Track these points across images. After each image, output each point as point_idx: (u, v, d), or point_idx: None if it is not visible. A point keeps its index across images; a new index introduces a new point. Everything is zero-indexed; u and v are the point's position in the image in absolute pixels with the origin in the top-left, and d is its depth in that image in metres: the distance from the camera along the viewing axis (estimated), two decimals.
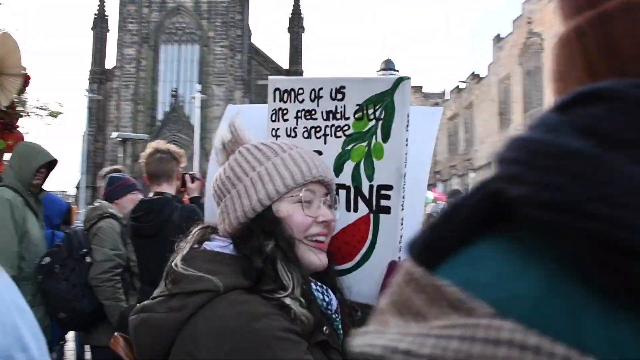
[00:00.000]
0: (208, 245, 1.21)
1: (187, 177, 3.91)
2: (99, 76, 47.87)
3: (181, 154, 3.73)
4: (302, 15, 53.23)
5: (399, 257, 1.28)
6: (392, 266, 1.27)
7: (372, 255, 1.30)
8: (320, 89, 1.33)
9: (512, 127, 33.70)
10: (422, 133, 1.29)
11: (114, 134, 28.48)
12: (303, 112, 1.37)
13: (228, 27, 46.47)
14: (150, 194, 3.64)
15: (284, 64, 53.06)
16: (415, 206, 1.33)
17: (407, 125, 1.23)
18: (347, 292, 1.27)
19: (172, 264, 1.14)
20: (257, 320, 1.04)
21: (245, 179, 1.21)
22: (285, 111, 1.40)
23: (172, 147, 3.71)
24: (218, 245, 1.20)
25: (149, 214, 3.46)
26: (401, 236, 1.28)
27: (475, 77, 39.74)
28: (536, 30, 31.05)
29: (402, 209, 1.26)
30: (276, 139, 1.40)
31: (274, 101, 1.42)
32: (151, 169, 3.59)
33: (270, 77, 1.44)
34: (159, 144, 3.70)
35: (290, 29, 53.27)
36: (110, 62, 48.98)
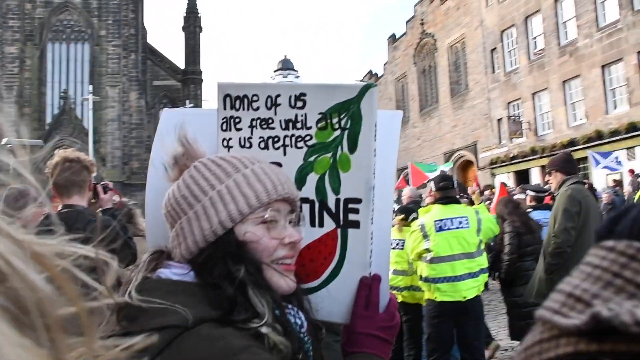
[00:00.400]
0: (163, 273, 1.07)
1: (99, 188, 3.67)
2: None
3: (92, 163, 3.47)
4: (198, 15, 52.24)
5: (370, 273, 1.22)
6: (364, 282, 1.21)
7: (341, 272, 1.23)
8: (278, 95, 1.22)
9: (410, 124, 34.87)
10: (383, 139, 1.21)
11: (4, 140, 26.29)
12: (259, 121, 1.25)
13: (121, 26, 44.62)
14: (59, 207, 3.35)
15: (182, 63, 51.85)
16: (383, 218, 1.27)
17: (375, 135, 1.17)
18: (315, 311, 1.18)
19: (126, 297, 0.98)
20: (236, 355, 0.92)
21: (204, 198, 1.08)
22: (237, 120, 1.26)
23: (82, 155, 3.44)
24: (176, 272, 1.07)
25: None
26: (371, 251, 1.22)
27: (372, 75, 40.71)
28: (429, 31, 32.32)
29: (372, 223, 1.20)
30: (228, 150, 1.26)
31: (225, 109, 1.28)
32: (60, 179, 3.27)
33: (219, 82, 1.29)
34: (67, 152, 3.40)
35: (185, 28, 52.13)
36: None
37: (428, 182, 20.91)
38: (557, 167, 5.30)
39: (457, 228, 5.18)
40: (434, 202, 5.51)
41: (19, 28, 43.58)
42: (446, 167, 24.18)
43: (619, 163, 17.43)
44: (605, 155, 17.82)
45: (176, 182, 1.15)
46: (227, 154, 1.21)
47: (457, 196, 5.92)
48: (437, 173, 22.31)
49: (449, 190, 5.44)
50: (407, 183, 21.58)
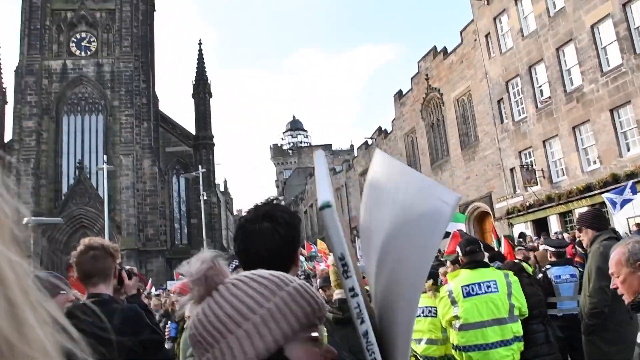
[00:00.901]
0: None
1: (124, 274, 3.66)
2: None
3: (116, 249, 3.44)
4: (207, 81, 53.47)
5: None
6: None
7: None
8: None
9: None
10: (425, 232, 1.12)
11: (25, 220, 26.62)
12: None
13: (133, 96, 45.75)
14: (84, 297, 3.36)
15: (193, 129, 52.73)
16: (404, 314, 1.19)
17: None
18: None
19: None
20: None
21: (253, 316, 1.04)
22: None
23: (106, 242, 3.44)
24: None
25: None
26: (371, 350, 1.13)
27: (381, 132, 41.10)
28: (434, 86, 32.80)
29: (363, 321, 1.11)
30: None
31: None
32: (85, 268, 3.25)
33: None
34: (91, 239, 3.38)
35: (195, 95, 53.26)
36: (7, 135, 46.73)
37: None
38: (587, 224, 5.25)
39: (486, 293, 5.10)
40: (461, 267, 5.46)
41: (36, 103, 44.83)
42: (462, 224, 23.84)
43: (634, 190, 16.95)
44: (620, 191, 17.50)
45: (208, 302, 1.10)
46: (262, 272, 1.16)
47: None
48: (456, 225, 22.24)
49: (476, 254, 5.39)
50: None
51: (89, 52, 47.31)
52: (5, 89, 48.93)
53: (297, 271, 2.05)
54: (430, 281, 5.95)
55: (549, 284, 7.01)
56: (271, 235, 1.91)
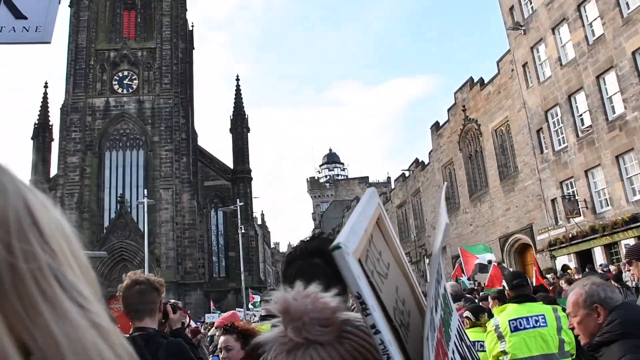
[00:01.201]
0: None
1: (169, 308, 3.68)
2: (41, 185, 46.32)
3: (162, 284, 3.48)
4: (245, 116, 54.37)
5: None
6: None
7: None
8: None
9: (461, 210, 34.48)
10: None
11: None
12: None
13: (173, 131, 46.82)
14: (130, 331, 3.35)
15: (230, 162, 53.48)
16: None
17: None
18: None
19: None
20: None
21: None
22: None
23: (152, 277, 3.45)
24: None
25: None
26: None
27: (419, 164, 40.91)
28: (472, 117, 32.61)
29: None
30: None
31: None
32: (131, 302, 3.30)
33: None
34: (137, 274, 3.45)
35: (233, 130, 54.13)
36: (52, 170, 48.24)
37: (477, 263, 20.38)
38: (637, 257, 5.10)
39: (534, 327, 4.96)
40: (508, 301, 5.33)
41: (80, 139, 46.26)
42: (490, 255, 23.17)
43: None
44: None
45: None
46: None
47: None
48: (488, 255, 21.74)
49: (523, 288, 5.27)
50: (463, 271, 20.85)
51: (130, 90, 48.81)
52: (52, 126, 50.70)
53: None
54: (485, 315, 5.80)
55: None
56: (322, 272, 1.88)
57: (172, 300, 4.14)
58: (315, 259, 1.86)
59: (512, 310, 5.14)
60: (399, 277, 1.14)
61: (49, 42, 4.23)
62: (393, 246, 1.15)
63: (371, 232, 1.07)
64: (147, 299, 3.30)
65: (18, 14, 3.83)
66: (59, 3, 4.08)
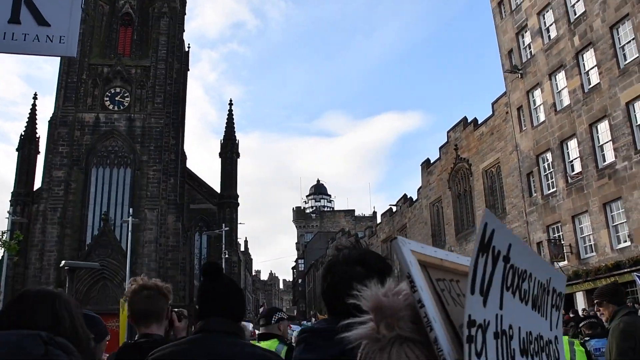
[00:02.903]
0: None
1: (175, 315, 3.60)
2: (24, 198, 46.11)
3: (169, 290, 3.39)
4: (236, 141, 54.37)
5: None
6: None
7: None
8: None
9: (446, 248, 34.48)
10: None
11: (62, 262, 26.60)
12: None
13: (162, 151, 46.61)
14: (136, 337, 3.27)
15: (218, 187, 53.26)
16: None
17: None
18: None
19: None
20: None
21: None
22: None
23: (159, 283, 3.35)
24: None
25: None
26: None
27: (407, 199, 41.03)
28: (463, 156, 32.90)
29: None
30: None
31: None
32: (138, 308, 3.21)
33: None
34: (144, 280, 3.35)
35: (222, 154, 54.03)
36: (37, 183, 47.60)
37: None
38: (607, 298, 5.20)
39: None
40: None
41: (67, 153, 45.85)
42: None
43: None
44: None
45: None
46: None
47: None
48: None
49: None
50: None
51: (121, 107, 48.65)
52: (38, 138, 50.23)
53: None
54: None
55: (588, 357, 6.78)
56: (362, 281, 1.84)
57: (178, 309, 4.05)
58: (356, 267, 1.89)
59: None
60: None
61: (75, 56, 4.17)
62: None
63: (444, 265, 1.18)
64: (154, 305, 3.22)
65: (41, 20, 3.76)
66: (83, 11, 4.03)
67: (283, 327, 5.29)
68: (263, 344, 4.73)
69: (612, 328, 5.03)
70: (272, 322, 4.98)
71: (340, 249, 2.03)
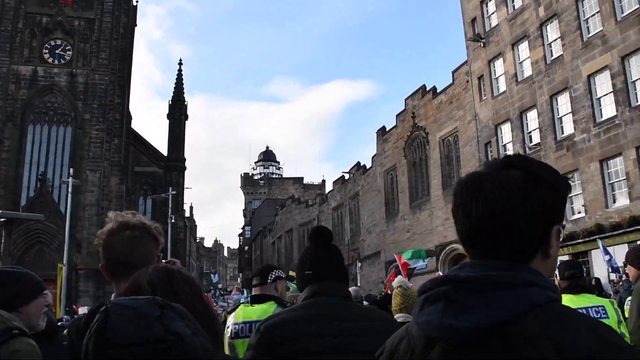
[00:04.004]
0: None
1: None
2: None
3: (160, 231, 2.39)
4: (184, 103, 52.54)
5: None
6: None
7: None
8: None
9: (399, 216, 34.46)
10: None
11: None
12: None
13: (106, 110, 44.28)
14: (112, 297, 2.14)
15: (165, 150, 51.49)
16: None
17: None
18: None
19: None
20: None
21: None
22: None
23: (147, 221, 2.35)
24: None
25: None
26: None
27: (360, 167, 40.70)
28: (420, 124, 32.67)
29: None
30: None
31: None
32: (117, 254, 2.21)
33: None
34: (127, 216, 2.32)
35: (170, 116, 52.15)
36: None
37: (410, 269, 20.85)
38: (629, 261, 5.08)
39: (596, 318, 4.45)
40: (562, 292, 4.80)
41: (0, 108, 42.91)
42: (425, 261, 23.64)
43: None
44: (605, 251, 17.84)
45: None
46: None
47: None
48: (421, 262, 22.06)
49: (578, 279, 4.77)
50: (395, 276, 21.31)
51: (62, 61, 45.81)
52: None
53: (550, 267, 1.24)
54: None
55: None
56: (523, 192, 1.17)
57: (170, 258, 2.99)
58: (512, 171, 1.21)
59: (569, 301, 4.59)
60: None
61: None
62: None
63: None
64: (140, 251, 2.24)
65: None
66: None
67: (281, 288, 4.55)
68: (257, 308, 4.02)
69: (635, 290, 4.79)
70: (269, 281, 4.21)
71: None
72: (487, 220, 1.17)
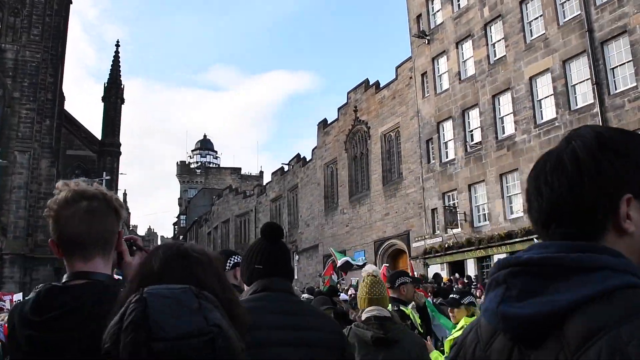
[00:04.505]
0: None
1: (124, 246, 2.09)
2: None
3: (121, 204, 1.96)
4: (121, 86, 50.62)
5: None
6: None
7: None
8: None
9: (338, 210, 34.38)
10: None
11: None
12: None
13: (37, 89, 41.93)
14: (64, 277, 1.85)
15: (99, 134, 49.47)
16: None
17: None
18: None
19: None
20: None
21: None
22: None
23: (106, 190, 1.94)
24: None
25: (69, 315, 1.71)
26: None
27: (300, 159, 40.38)
28: (362, 118, 32.64)
29: None
30: None
31: None
32: (72, 229, 1.81)
33: None
34: (81, 185, 1.90)
35: (106, 98, 50.15)
36: None
37: (337, 268, 21.18)
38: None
39: None
40: None
41: None
42: (360, 259, 23.82)
43: None
44: None
45: None
46: None
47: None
48: (345, 259, 22.36)
49: None
50: (333, 270, 21.56)
51: None
52: None
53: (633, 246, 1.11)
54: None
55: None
56: (590, 163, 1.08)
57: (130, 235, 2.49)
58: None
59: None
60: None
61: None
62: None
63: None
64: (100, 225, 1.85)
65: None
66: None
67: (240, 275, 4.14)
68: None
69: None
70: (227, 268, 3.76)
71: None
72: (564, 196, 1.07)
